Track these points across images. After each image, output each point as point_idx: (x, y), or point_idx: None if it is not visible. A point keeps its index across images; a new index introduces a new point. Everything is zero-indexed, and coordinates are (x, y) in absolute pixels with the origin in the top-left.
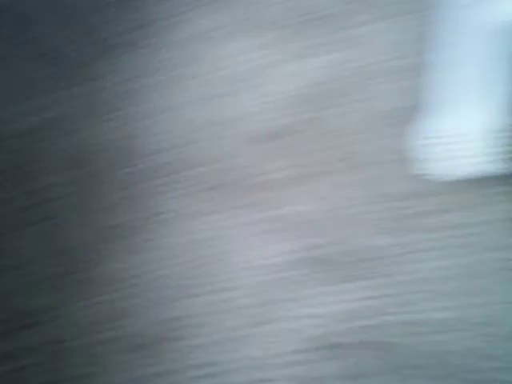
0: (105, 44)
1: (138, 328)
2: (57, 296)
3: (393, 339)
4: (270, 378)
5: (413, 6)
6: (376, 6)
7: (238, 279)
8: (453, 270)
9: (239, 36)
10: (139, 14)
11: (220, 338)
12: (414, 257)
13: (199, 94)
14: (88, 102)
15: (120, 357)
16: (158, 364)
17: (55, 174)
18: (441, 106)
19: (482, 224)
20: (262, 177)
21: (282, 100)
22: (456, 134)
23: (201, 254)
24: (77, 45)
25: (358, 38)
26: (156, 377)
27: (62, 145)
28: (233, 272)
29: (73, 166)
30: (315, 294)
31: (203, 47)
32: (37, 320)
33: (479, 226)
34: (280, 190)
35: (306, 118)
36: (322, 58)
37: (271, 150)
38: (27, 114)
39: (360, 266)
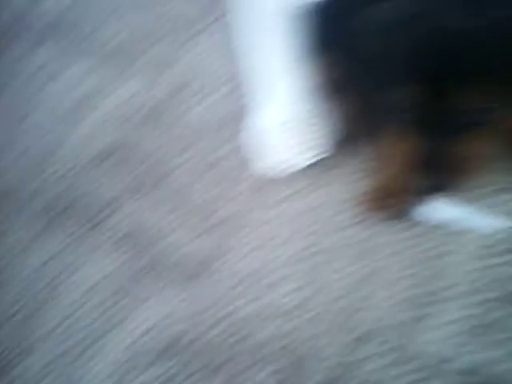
0: None
1: None
2: None
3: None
4: None
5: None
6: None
7: (75, 297)
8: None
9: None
10: None
11: (57, 357)
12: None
13: (34, 120)
14: None
15: None
16: None
17: None
18: (260, 101)
19: (315, 209)
20: (98, 196)
21: (112, 122)
22: (276, 126)
23: (40, 277)
24: None
25: (172, 60)
26: None
27: None
28: (70, 290)
29: None
30: (150, 303)
31: (35, 78)
32: None
33: (313, 211)
34: (115, 207)
35: (139, 134)
36: (144, 80)
37: (104, 171)
38: None
39: (189, 268)
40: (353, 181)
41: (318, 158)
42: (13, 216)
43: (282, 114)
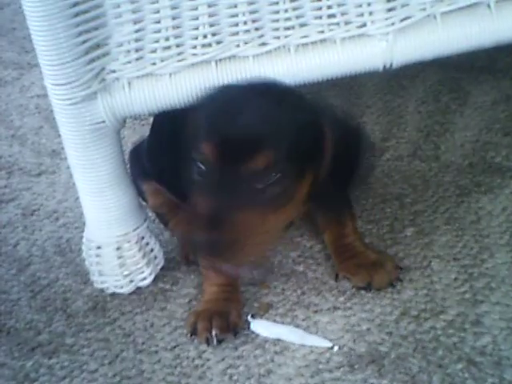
0: None
1: None
2: None
3: None
4: None
5: None
6: None
7: None
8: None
9: None
10: None
11: None
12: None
13: None
14: None
15: None
16: None
17: None
18: (93, 220)
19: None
20: None
21: None
22: (108, 245)
23: None
24: None
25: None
26: None
27: None
28: None
29: None
30: None
31: None
32: None
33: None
34: None
35: None
36: None
37: None
38: None
39: None
40: (188, 300)
41: (150, 278)
42: None
43: (114, 232)
